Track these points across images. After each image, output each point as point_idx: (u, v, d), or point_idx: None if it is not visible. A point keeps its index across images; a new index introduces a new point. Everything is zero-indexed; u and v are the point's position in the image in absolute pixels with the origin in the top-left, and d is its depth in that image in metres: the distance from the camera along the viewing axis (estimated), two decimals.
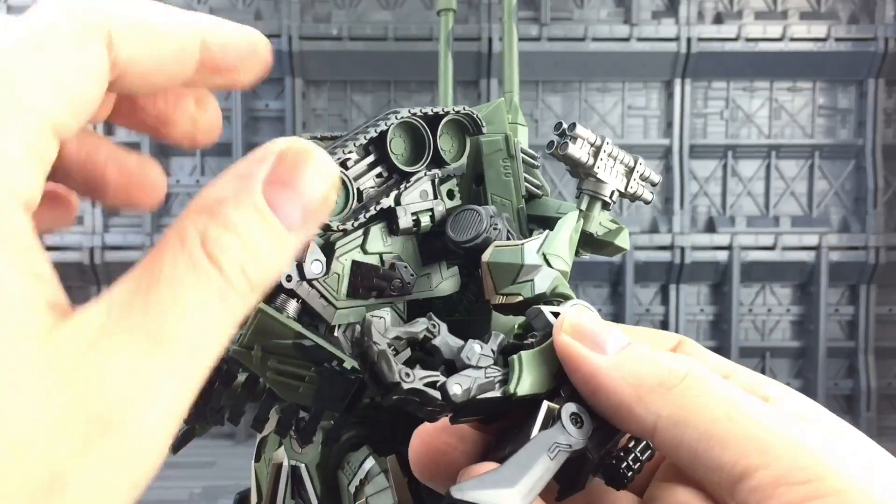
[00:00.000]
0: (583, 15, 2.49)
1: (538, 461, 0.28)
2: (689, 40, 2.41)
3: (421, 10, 2.45)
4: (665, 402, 0.28)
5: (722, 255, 2.47)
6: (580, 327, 0.31)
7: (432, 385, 0.29)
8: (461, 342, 0.32)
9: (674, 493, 0.31)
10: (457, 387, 0.29)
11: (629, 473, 0.32)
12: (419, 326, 0.31)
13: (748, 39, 2.42)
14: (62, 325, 0.20)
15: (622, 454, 0.32)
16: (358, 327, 0.29)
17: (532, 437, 0.30)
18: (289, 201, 0.24)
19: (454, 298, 0.54)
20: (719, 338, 2.56)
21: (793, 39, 2.42)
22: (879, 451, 0.30)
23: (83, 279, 2.45)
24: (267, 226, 0.23)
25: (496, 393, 0.31)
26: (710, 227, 2.52)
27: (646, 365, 0.30)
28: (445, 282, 0.51)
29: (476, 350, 0.31)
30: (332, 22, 2.44)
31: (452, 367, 0.31)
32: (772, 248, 2.47)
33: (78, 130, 0.23)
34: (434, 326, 0.31)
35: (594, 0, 2.50)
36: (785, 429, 0.27)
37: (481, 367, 0.31)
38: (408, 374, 0.28)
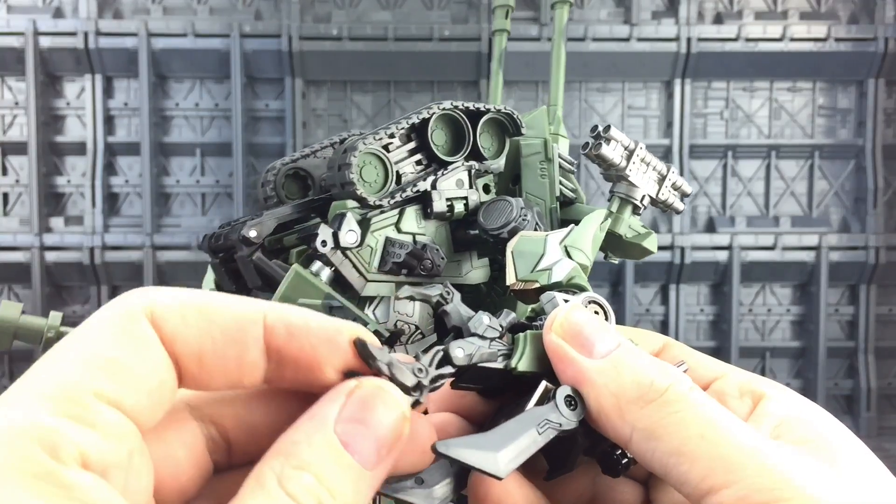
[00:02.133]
0: (583, 15, 2.49)
1: (526, 433, 0.30)
2: (689, 40, 2.41)
3: (421, 10, 2.45)
4: (641, 415, 0.29)
5: (722, 255, 2.47)
6: (570, 327, 0.32)
7: (441, 362, 0.31)
8: (472, 312, 0.33)
9: (673, 494, 0.31)
10: (459, 350, 0.31)
11: (624, 461, 0.33)
12: (435, 290, 0.32)
13: (748, 39, 2.42)
14: None
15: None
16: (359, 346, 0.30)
17: (526, 410, 0.31)
18: (361, 437, 0.25)
19: (483, 291, 0.56)
20: (719, 338, 2.56)
21: (793, 39, 2.42)
22: (867, 461, 0.29)
23: (83, 279, 2.45)
24: (341, 461, 0.24)
25: (497, 364, 0.32)
26: (710, 227, 2.52)
27: (629, 375, 0.30)
28: (475, 271, 0.53)
29: (484, 321, 0.33)
30: (332, 22, 2.44)
31: (459, 333, 0.33)
32: (772, 248, 2.47)
33: (158, 406, 0.24)
34: (448, 293, 0.33)
35: (594, 0, 2.50)
36: (755, 448, 0.27)
37: (486, 338, 0.33)
38: (420, 370, 0.29)
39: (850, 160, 2.55)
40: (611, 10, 2.51)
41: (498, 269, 0.55)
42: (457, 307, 0.33)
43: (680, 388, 0.29)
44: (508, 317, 0.34)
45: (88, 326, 0.24)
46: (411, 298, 0.31)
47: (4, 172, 2.48)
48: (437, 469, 0.29)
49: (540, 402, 0.31)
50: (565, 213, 0.55)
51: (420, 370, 0.29)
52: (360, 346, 0.28)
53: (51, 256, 2.40)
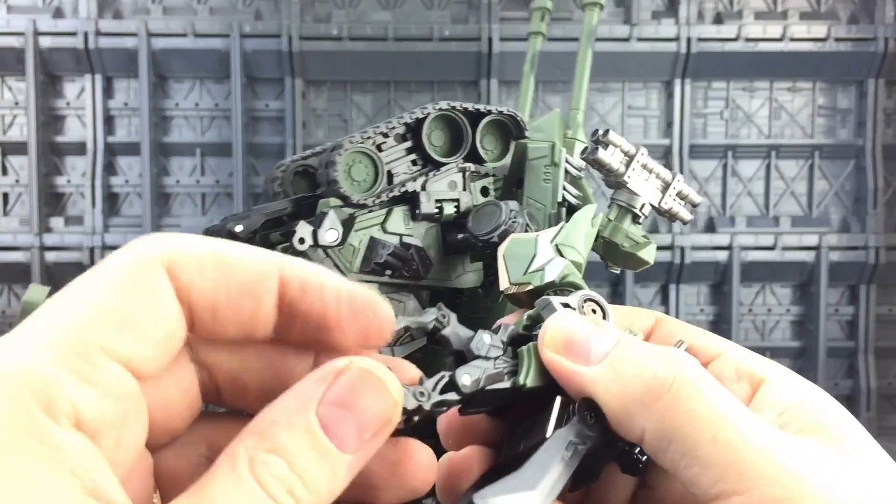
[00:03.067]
0: (582, 15, 2.49)
1: (556, 461, 0.28)
2: (689, 40, 2.40)
3: (421, 10, 2.45)
4: (650, 414, 0.28)
5: (722, 255, 2.47)
6: (562, 338, 0.31)
7: (446, 388, 0.29)
8: (471, 332, 0.32)
9: (673, 480, 0.31)
10: (466, 377, 0.30)
11: (644, 458, 0.32)
12: (429, 316, 0.31)
13: (748, 39, 2.42)
14: None
15: None
16: None
17: (547, 435, 0.30)
18: (344, 422, 0.24)
19: (478, 297, 0.55)
20: None
21: (793, 39, 2.41)
22: (874, 451, 0.29)
23: None
24: (319, 447, 0.23)
25: (505, 384, 0.31)
26: (710, 227, 2.52)
27: (630, 372, 0.29)
28: (467, 275, 0.52)
29: (486, 340, 0.32)
30: (332, 22, 2.43)
31: (461, 357, 0.31)
32: (772, 248, 2.47)
33: (163, 357, 0.23)
34: (444, 317, 0.31)
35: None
36: (769, 451, 0.26)
37: (490, 358, 0.31)
38: (422, 394, 0.28)
39: (850, 160, 2.54)
40: (611, 10, 2.50)
41: (492, 274, 0.53)
42: (455, 330, 0.31)
43: (686, 376, 0.28)
44: (507, 330, 0.33)
45: (101, 273, 0.23)
46: (406, 329, 0.30)
47: (4, 172, 2.48)
48: None
49: (559, 418, 0.30)
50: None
51: (422, 394, 0.28)
52: None
53: (51, 256, 2.40)
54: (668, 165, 2.49)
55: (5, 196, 2.48)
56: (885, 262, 2.47)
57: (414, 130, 0.51)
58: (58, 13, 2.42)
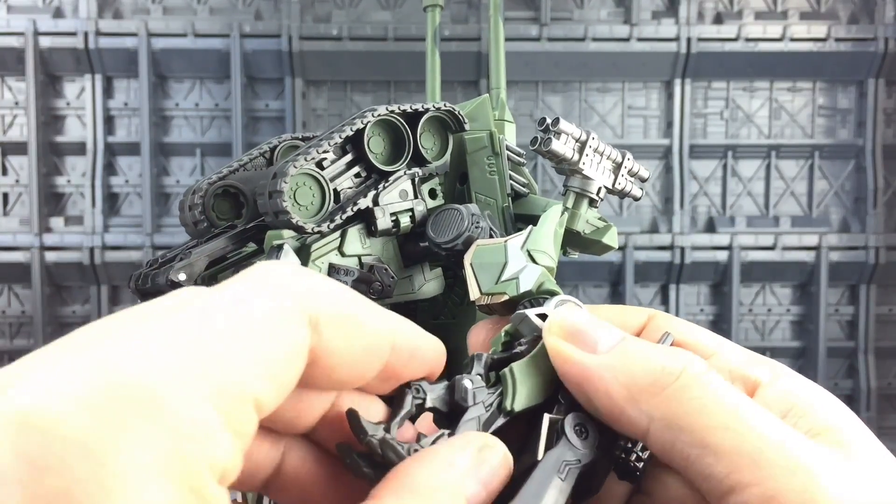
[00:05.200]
0: (583, 15, 2.49)
1: (551, 485, 0.28)
2: (689, 40, 2.40)
3: (421, 10, 2.45)
4: (658, 402, 0.27)
5: (722, 255, 2.47)
6: (570, 327, 0.30)
7: None
8: (444, 383, 0.30)
9: (669, 486, 0.31)
10: None
11: (640, 465, 0.31)
12: (407, 404, 0.28)
13: (748, 39, 2.42)
14: None
15: (629, 445, 0.31)
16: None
17: (539, 457, 0.29)
18: (481, 500, 0.24)
19: (439, 300, 0.52)
20: None
21: (793, 39, 2.41)
22: (878, 450, 0.29)
23: (83, 279, 2.45)
24: None
25: (501, 420, 0.30)
26: (710, 227, 2.52)
27: (638, 363, 0.29)
28: (429, 283, 0.50)
29: (468, 387, 0.30)
30: (332, 22, 2.43)
31: (456, 412, 0.29)
32: (772, 248, 2.47)
33: (274, 408, 0.22)
34: (418, 391, 0.29)
35: (594, 0, 2.50)
36: (783, 444, 0.26)
37: (478, 403, 0.30)
38: (417, 451, 0.27)
39: (850, 160, 2.54)
40: (611, 10, 2.50)
41: (452, 276, 0.51)
42: (435, 395, 0.29)
43: (694, 369, 0.28)
44: (482, 361, 0.31)
45: (251, 313, 0.21)
46: (387, 429, 0.29)
47: (4, 172, 2.48)
48: None
49: (549, 437, 0.29)
50: (518, 208, 0.51)
51: (417, 451, 0.26)
52: (351, 418, 0.26)
53: (51, 256, 2.40)
54: (669, 166, 2.49)
55: (5, 196, 2.48)
56: (885, 262, 2.47)
57: (353, 141, 0.48)
58: (58, 13, 2.42)
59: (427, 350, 0.27)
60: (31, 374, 0.18)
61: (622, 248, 2.45)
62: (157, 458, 0.17)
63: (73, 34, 2.37)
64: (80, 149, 2.46)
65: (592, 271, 2.51)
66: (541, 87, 2.52)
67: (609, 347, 0.30)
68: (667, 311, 2.55)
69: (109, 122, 2.47)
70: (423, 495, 0.23)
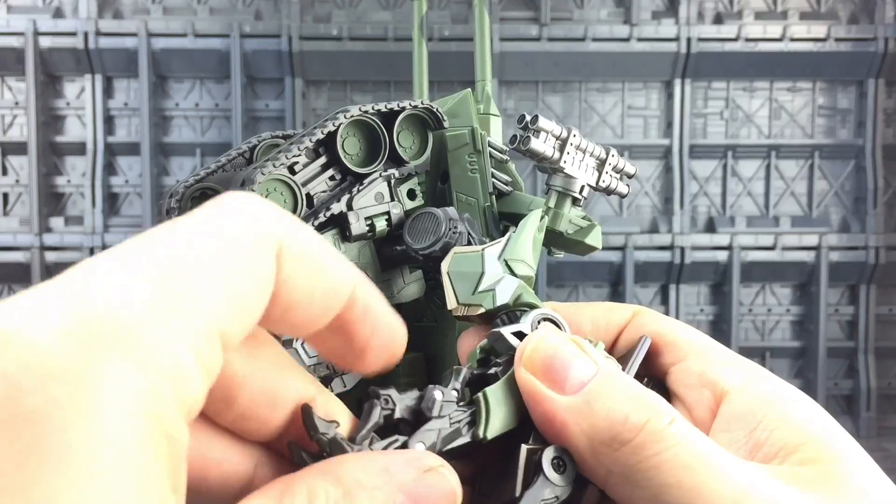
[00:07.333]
0: (583, 15, 2.49)
1: None
2: (689, 40, 2.40)
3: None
4: (616, 458, 0.27)
5: (722, 255, 2.47)
6: (541, 360, 0.30)
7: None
8: (415, 394, 0.29)
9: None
10: (420, 445, 0.27)
11: None
12: (375, 414, 0.27)
13: (748, 39, 2.42)
14: None
15: None
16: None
17: (517, 493, 0.28)
18: None
19: (421, 304, 0.51)
20: (719, 338, 2.54)
21: (793, 39, 2.42)
22: (869, 471, 0.27)
23: None
24: None
25: (465, 438, 0.29)
26: (710, 227, 2.52)
27: (601, 413, 0.28)
28: (408, 287, 0.48)
29: (436, 398, 0.29)
30: (332, 22, 2.43)
31: (421, 420, 0.29)
32: (772, 248, 2.47)
33: (239, 342, 0.22)
34: (386, 401, 0.28)
35: (594, 0, 2.50)
36: (740, 492, 0.25)
37: (444, 416, 0.29)
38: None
39: (850, 160, 2.54)
40: (611, 10, 2.50)
41: (433, 279, 0.50)
42: (403, 405, 0.28)
43: (657, 423, 0.27)
44: (461, 375, 0.30)
45: (223, 242, 0.21)
46: (364, 438, 0.28)
47: (4, 172, 2.48)
48: None
49: (526, 473, 0.28)
50: (503, 205, 0.50)
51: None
52: (305, 414, 0.25)
53: (51, 256, 2.40)
54: (669, 166, 2.49)
55: (5, 196, 2.48)
56: (885, 262, 2.47)
57: (326, 144, 0.46)
58: (58, 13, 2.42)
59: (384, 317, 0.26)
60: (16, 300, 0.18)
61: (622, 248, 2.45)
62: (132, 394, 0.17)
63: (73, 34, 2.37)
64: (80, 149, 2.46)
65: (592, 271, 2.51)
66: (541, 87, 2.52)
67: (578, 385, 0.29)
68: (666, 311, 2.55)
69: (109, 122, 2.47)
70: (345, 486, 0.22)
